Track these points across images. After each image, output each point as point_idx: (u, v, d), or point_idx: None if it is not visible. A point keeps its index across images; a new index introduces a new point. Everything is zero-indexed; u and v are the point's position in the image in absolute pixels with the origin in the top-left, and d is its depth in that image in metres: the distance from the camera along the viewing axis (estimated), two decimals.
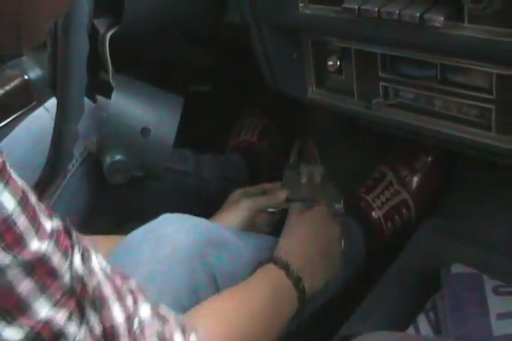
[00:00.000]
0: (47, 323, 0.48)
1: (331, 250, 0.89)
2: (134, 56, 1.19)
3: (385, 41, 0.76)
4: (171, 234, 0.78)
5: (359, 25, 0.75)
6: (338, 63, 0.84)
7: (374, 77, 0.81)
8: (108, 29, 1.02)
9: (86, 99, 0.97)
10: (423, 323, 0.88)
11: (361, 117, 0.86)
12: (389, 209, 1.11)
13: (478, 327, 0.83)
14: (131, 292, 0.55)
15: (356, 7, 0.72)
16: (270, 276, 0.80)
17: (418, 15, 0.68)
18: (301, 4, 0.79)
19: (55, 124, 0.77)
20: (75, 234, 0.52)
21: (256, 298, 0.75)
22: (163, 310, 0.58)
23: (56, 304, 0.48)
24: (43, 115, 0.96)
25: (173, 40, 1.24)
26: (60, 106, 0.76)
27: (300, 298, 0.80)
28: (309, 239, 0.87)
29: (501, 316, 0.84)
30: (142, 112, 0.97)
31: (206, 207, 1.14)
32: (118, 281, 0.54)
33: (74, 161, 0.97)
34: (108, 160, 0.94)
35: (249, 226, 0.98)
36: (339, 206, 0.96)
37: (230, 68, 1.33)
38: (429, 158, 1.12)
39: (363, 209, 1.11)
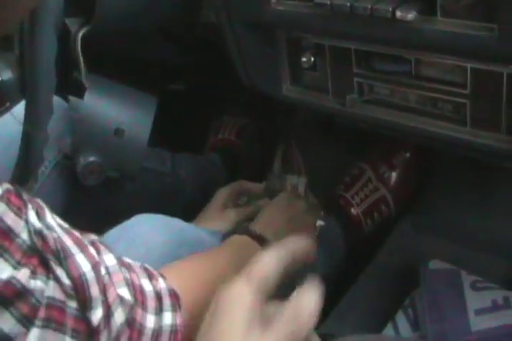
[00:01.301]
0: (8, 282, 0.47)
1: (299, 222, 0.89)
2: (107, 55, 1.18)
3: (358, 36, 0.75)
4: (145, 234, 0.77)
5: (332, 20, 0.74)
6: (312, 59, 0.83)
7: (348, 73, 0.81)
8: (80, 28, 1.01)
9: (59, 100, 0.96)
10: (401, 320, 0.88)
11: (336, 114, 0.85)
12: (368, 206, 1.10)
13: (456, 323, 0.83)
14: (93, 243, 0.55)
15: (328, 2, 0.71)
16: (236, 241, 0.80)
17: (390, 9, 0.67)
18: (273, 0, 0.78)
19: (24, 128, 0.75)
20: (25, 195, 0.52)
21: (222, 258, 0.74)
22: (128, 260, 0.59)
23: (18, 264, 0.48)
24: (12, 119, 0.95)
25: (149, 39, 1.23)
26: (28, 110, 0.75)
27: None
28: (275, 214, 0.88)
29: (479, 312, 0.84)
30: (116, 112, 0.97)
31: (184, 207, 1.13)
32: (77, 234, 0.54)
33: (47, 163, 0.95)
34: (82, 161, 0.94)
35: None
36: (319, 220, 0.96)
37: (207, 66, 1.32)
38: (407, 154, 1.12)
39: (342, 206, 1.10)
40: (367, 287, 0.97)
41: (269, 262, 0.54)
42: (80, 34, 0.99)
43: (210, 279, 0.69)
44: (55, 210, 0.98)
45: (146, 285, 0.58)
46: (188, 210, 1.05)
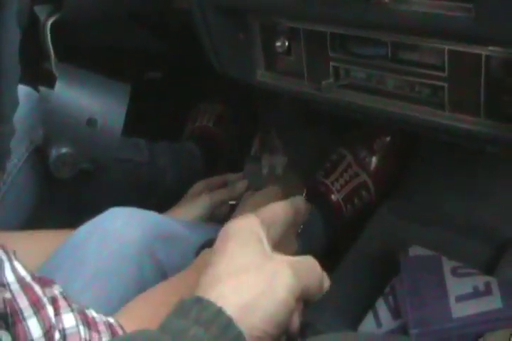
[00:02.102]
0: None
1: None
2: (79, 43, 1.15)
3: (333, 20, 0.74)
4: (118, 229, 0.75)
5: (306, 3, 0.72)
6: (287, 44, 0.81)
7: (324, 57, 0.79)
8: (49, 16, 0.99)
9: (30, 90, 0.94)
10: (382, 308, 0.87)
11: (312, 99, 0.84)
12: (348, 192, 1.09)
13: (437, 310, 0.83)
14: (53, 301, 0.52)
15: None
16: (206, 259, 0.77)
17: None
18: None
19: None
20: None
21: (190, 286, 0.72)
22: (92, 314, 0.55)
23: None
24: None
25: (121, 26, 1.20)
26: None
27: None
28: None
29: (460, 298, 0.83)
30: (88, 102, 0.95)
31: (163, 197, 1.12)
32: (37, 291, 0.50)
33: (20, 155, 0.93)
34: (54, 153, 0.92)
35: (208, 220, 0.96)
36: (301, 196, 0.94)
37: (183, 53, 1.30)
38: (388, 139, 1.11)
39: (323, 193, 1.09)
40: (347, 274, 0.96)
41: (278, 210, 0.58)
42: (50, 22, 0.97)
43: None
44: (29, 204, 0.97)
45: None
46: (167, 200, 1.04)
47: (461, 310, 0.82)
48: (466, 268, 0.86)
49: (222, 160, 1.29)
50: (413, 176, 1.11)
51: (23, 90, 0.93)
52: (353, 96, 0.80)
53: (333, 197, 1.08)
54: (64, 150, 0.92)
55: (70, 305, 0.53)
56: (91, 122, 0.93)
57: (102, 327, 0.55)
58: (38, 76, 0.95)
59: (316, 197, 1.09)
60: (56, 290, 0.53)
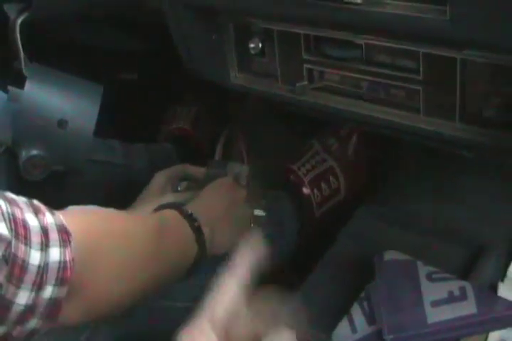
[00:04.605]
0: None
1: (236, 212, 0.85)
2: (50, 43, 1.14)
3: (306, 21, 0.73)
4: None
5: (278, 4, 0.71)
6: (261, 45, 0.80)
7: (298, 59, 0.78)
8: (19, 14, 0.97)
9: None
10: (357, 313, 0.86)
11: (286, 102, 0.83)
12: (315, 175, 1.09)
13: (412, 315, 0.81)
14: None
15: None
16: (164, 213, 0.77)
17: None
18: None
19: None
20: None
21: (141, 219, 0.73)
22: (12, 195, 0.56)
23: None
24: None
25: (94, 26, 1.19)
26: None
27: (199, 240, 0.75)
28: (213, 199, 0.84)
29: (435, 303, 0.82)
30: (58, 103, 0.93)
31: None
32: None
33: None
34: (24, 155, 0.90)
35: None
36: (260, 210, 0.92)
37: (157, 54, 1.29)
38: (356, 126, 1.10)
39: (294, 183, 1.09)
40: (321, 280, 0.95)
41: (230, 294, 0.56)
42: (19, 21, 0.95)
43: (119, 228, 0.67)
44: None
45: (31, 220, 0.54)
46: None
47: (436, 316, 0.81)
48: (441, 273, 0.85)
49: (199, 161, 1.28)
50: (388, 180, 1.10)
51: None
52: (328, 99, 0.79)
53: (304, 190, 1.08)
54: (34, 152, 0.90)
55: None
56: (61, 123, 0.92)
57: (22, 204, 0.55)
58: (8, 76, 0.94)
59: (287, 188, 1.09)
60: None
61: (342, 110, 0.78)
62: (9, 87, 0.93)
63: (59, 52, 1.14)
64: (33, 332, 0.55)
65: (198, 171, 0.99)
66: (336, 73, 0.77)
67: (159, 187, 0.95)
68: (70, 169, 0.95)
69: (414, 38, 0.67)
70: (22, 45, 0.95)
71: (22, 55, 0.95)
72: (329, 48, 0.75)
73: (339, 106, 0.78)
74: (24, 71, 0.94)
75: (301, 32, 0.76)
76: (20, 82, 0.92)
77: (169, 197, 0.90)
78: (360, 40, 0.72)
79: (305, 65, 0.78)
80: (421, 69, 0.69)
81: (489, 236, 0.94)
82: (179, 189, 0.97)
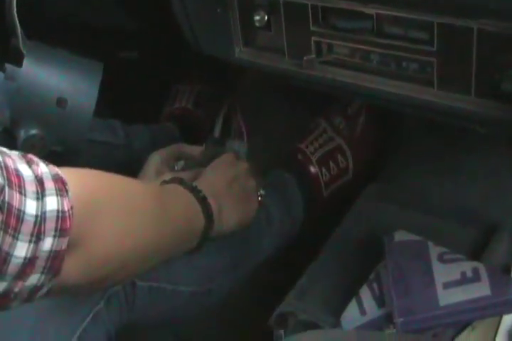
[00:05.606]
0: None
1: (241, 187, 0.83)
2: (50, 20, 1.11)
3: None
4: None
5: None
6: (266, 18, 0.78)
7: (305, 31, 0.76)
8: None
9: None
10: (366, 295, 0.84)
11: (293, 76, 0.80)
12: (323, 154, 1.07)
13: (423, 297, 0.80)
14: None
15: None
16: (168, 186, 0.75)
17: None
18: None
19: None
20: None
21: (143, 185, 0.71)
22: (3, 149, 0.53)
23: None
24: None
25: (94, 2, 1.17)
26: None
27: (205, 212, 0.73)
28: (216, 175, 0.82)
29: (447, 285, 0.80)
30: (57, 81, 0.91)
31: None
32: None
33: None
34: (22, 135, 0.88)
35: None
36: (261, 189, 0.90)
37: (159, 31, 1.26)
38: (361, 103, 1.09)
39: (301, 162, 1.08)
40: (329, 262, 0.93)
41: None
42: None
43: (118, 184, 0.66)
44: None
45: (24, 170, 0.52)
46: None
47: (448, 298, 0.79)
48: (453, 254, 0.83)
49: (202, 141, 1.26)
50: (397, 159, 1.08)
51: None
52: (336, 73, 0.77)
53: (312, 168, 1.06)
54: (33, 131, 0.88)
55: None
56: (61, 102, 0.89)
57: (14, 156, 0.53)
58: (5, 54, 0.91)
59: (294, 167, 1.07)
60: None
61: (351, 84, 0.76)
62: (7, 65, 0.91)
63: (56, 29, 1.12)
64: (35, 289, 0.53)
65: (194, 150, 0.97)
66: (344, 46, 0.75)
67: (155, 168, 0.93)
68: (69, 149, 0.93)
69: (427, 6, 0.64)
70: (19, 21, 0.93)
71: (19, 31, 0.92)
72: (338, 20, 0.73)
73: (348, 80, 0.76)
74: (22, 48, 0.91)
75: (309, 3, 0.73)
76: (17, 60, 0.90)
77: (167, 176, 0.88)
78: (371, 10, 0.69)
79: (313, 38, 0.76)
80: (435, 40, 0.66)
81: (501, 216, 0.92)
82: (176, 168, 0.94)
